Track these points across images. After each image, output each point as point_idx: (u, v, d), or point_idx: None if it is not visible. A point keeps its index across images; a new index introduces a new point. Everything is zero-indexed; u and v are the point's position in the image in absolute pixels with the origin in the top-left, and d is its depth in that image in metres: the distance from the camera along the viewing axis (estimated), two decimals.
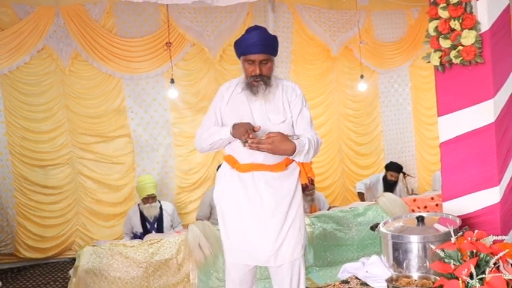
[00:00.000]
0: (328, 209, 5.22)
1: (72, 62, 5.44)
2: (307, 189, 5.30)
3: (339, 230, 4.38)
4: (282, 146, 2.30)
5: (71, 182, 5.55)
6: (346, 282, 2.25)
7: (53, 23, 5.31)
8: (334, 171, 6.36)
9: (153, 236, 4.57)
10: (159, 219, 4.99)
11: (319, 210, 5.27)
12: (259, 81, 2.50)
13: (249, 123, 2.44)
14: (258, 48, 2.46)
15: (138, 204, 5.02)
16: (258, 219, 2.53)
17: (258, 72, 2.48)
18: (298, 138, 2.40)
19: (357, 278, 2.27)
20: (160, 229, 4.97)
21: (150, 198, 4.87)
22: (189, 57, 5.74)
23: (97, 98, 5.55)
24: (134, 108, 5.68)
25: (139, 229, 4.98)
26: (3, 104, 5.36)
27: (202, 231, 4.19)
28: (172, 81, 5.32)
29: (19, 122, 5.37)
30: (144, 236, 4.75)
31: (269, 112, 2.54)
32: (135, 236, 4.93)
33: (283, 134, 2.34)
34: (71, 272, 4.15)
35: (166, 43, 5.41)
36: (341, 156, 6.44)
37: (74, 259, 4.21)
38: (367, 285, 2.16)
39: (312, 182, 5.34)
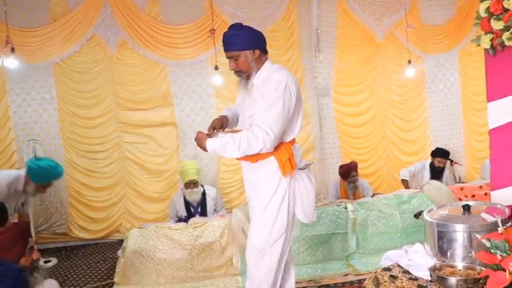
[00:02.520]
0: (372, 196, 5.17)
1: (119, 49, 5.59)
2: (349, 175, 5.27)
3: (382, 217, 4.32)
4: (200, 145, 2.58)
5: (117, 166, 5.73)
6: (388, 269, 2.23)
7: (101, 12, 5.47)
8: (379, 157, 6.27)
9: (197, 219, 4.66)
10: (202, 203, 5.08)
11: (363, 197, 5.24)
12: (238, 76, 2.68)
13: (215, 121, 2.75)
14: (224, 47, 2.64)
15: (182, 189, 5.13)
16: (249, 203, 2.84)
17: (230, 68, 2.67)
18: (223, 136, 2.54)
19: (399, 265, 2.25)
20: (203, 213, 5.06)
21: (192, 184, 4.95)
22: None
23: (143, 84, 5.67)
24: (179, 94, 5.78)
25: (183, 213, 5.08)
26: (55, 92, 5.60)
27: (246, 215, 4.22)
28: (216, 67, 5.37)
29: (70, 109, 5.60)
30: (188, 219, 4.85)
31: (250, 105, 2.68)
32: (180, 220, 5.04)
33: (202, 134, 2.60)
34: (119, 252, 4.32)
35: (210, 30, 5.46)
36: (386, 142, 6.34)
37: (122, 240, 4.37)
38: (410, 273, 2.13)
39: (355, 168, 5.31)
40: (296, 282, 3.72)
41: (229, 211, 4.91)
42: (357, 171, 5.33)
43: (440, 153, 5.65)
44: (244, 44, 2.59)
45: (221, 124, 2.75)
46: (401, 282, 2.08)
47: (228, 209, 5.31)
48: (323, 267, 4.05)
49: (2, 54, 4.68)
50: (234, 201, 5.82)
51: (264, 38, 2.71)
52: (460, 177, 6.11)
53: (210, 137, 2.59)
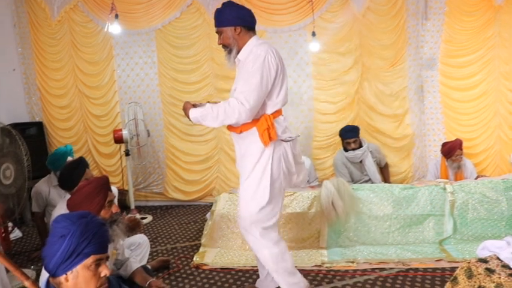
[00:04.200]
0: (476, 178, 4.76)
1: None
2: (453, 154, 4.88)
3: (485, 202, 3.93)
4: (185, 113, 2.77)
5: (212, 131, 5.80)
6: (484, 261, 2.00)
7: None
8: (488, 136, 5.70)
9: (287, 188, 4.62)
10: None
11: (466, 178, 4.84)
12: (224, 50, 2.84)
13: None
14: (214, 23, 2.82)
15: None
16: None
17: (218, 42, 2.85)
18: (204, 106, 2.72)
19: (498, 258, 2.01)
20: None
21: None
22: (333, 9, 5.49)
23: None
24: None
25: None
26: (156, 57, 5.79)
27: (337, 188, 4.10)
28: (313, 34, 5.19)
29: (170, 73, 5.76)
30: None
31: (236, 80, 2.82)
32: None
33: (188, 103, 2.80)
34: (208, 215, 4.41)
35: None
36: (497, 120, 5.74)
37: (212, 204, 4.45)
38: (510, 268, 1.89)
39: (460, 146, 4.90)
40: (383, 262, 3.64)
41: (321, 183, 4.80)
42: (461, 149, 4.92)
43: None
44: (225, 21, 2.75)
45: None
46: (499, 277, 1.85)
47: (321, 180, 5.18)
48: (413, 250, 3.81)
49: (107, 21, 4.90)
50: (328, 173, 5.66)
51: (249, 16, 2.83)
52: None
53: (195, 107, 2.76)
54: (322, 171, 5.71)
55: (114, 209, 2.71)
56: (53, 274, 1.70)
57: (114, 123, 5.96)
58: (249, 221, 2.79)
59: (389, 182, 5.16)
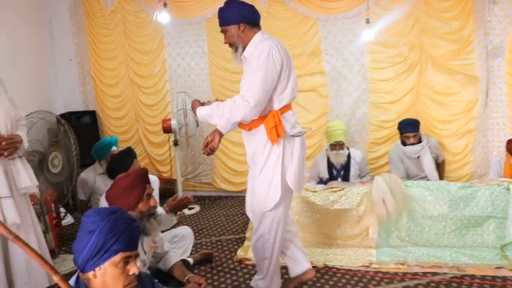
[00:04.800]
0: None
1: (270, 3, 5.45)
2: None
3: None
4: (193, 111, 2.81)
5: None
6: None
7: None
8: None
9: (336, 183, 4.45)
10: (346, 167, 4.82)
11: None
12: (231, 48, 2.83)
13: None
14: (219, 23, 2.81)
15: (326, 150, 4.91)
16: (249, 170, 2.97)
17: (224, 41, 2.84)
18: (211, 104, 2.73)
19: None
20: (346, 177, 4.82)
21: (337, 145, 4.71)
22: None
23: (292, 39, 5.47)
24: (329, 51, 5.46)
25: (325, 175, 4.90)
26: (207, 46, 5.74)
27: (389, 185, 3.88)
28: (367, 21, 4.92)
29: (220, 63, 5.69)
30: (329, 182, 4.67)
31: (243, 77, 2.73)
32: (321, 181, 4.88)
33: (196, 101, 2.83)
34: None
35: None
36: None
37: None
38: None
39: None
40: (436, 266, 3.40)
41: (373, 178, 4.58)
42: None
43: None
44: (228, 19, 2.74)
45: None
46: None
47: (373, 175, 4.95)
48: (470, 254, 3.53)
49: (156, 10, 4.88)
50: (380, 168, 5.41)
51: (252, 12, 2.78)
52: None
53: (202, 105, 2.78)
54: (376, 166, 5.46)
55: (152, 202, 2.67)
56: (82, 269, 1.67)
57: (165, 112, 5.97)
58: (263, 216, 2.83)
59: (443, 179, 4.85)
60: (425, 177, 4.67)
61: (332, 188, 4.14)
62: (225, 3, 2.78)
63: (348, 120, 5.47)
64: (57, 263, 3.75)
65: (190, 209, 5.34)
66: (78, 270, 1.70)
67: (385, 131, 5.42)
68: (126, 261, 1.67)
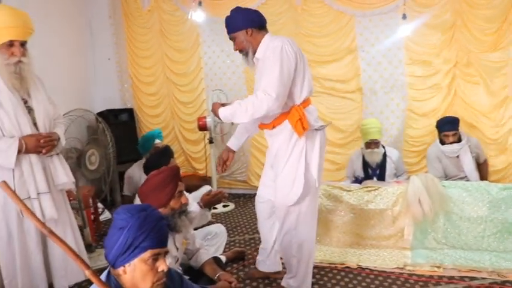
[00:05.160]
0: None
1: (305, 0, 5.39)
2: None
3: None
4: (215, 114, 2.83)
5: None
6: None
7: None
8: None
9: (371, 182, 4.37)
10: (382, 165, 4.72)
11: None
12: (242, 54, 2.91)
13: None
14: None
15: (362, 148, 4.83)
16: (272, 166, 3.02)
17: (233, 49, 2.93)
18: (232, 104, 2.75)
19: None
20: (382, 176, 4.72)
21: (372, 144, 4.62)
22: None
23: (328, 36, 5.40)
24: (366, 47, 5.36)
25: (361, 174, 4.82)
26: None
27: (425, 185, 3.78)
28: (404, 16, 4.79)
29: None
30: (365, 181, 4.59)
31: (259, 78, 2.80)
32: (356, 180, 4.81)
33: (216, 104, 2.85)
34: None
35: None
36: None
37: None
38: None
39: None
40: (474, 271, 3.30)
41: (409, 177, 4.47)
42: None
43: None
44: (236, 26, 2.82)
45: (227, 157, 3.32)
46: None
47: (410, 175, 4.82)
48: None
49: (191, 8, 4.91)
50: (417, 167, 5.26)
51: (257, 16, 2.86)
52: None
53: (223, 106, 2.80)
54: (413, 165, 5.32)
55: (184, 199, 2.69)
56: (113, 265, 1.70)
57: (200, 110, 6.02)
58: (289, 209, 2.87)
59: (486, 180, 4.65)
60: (465, 178, 4.50)
61: (367, 187, 4.08)
62: (231, 11, 2.88)
63: (385, 118, 5.36)
64: (93, 257, 3.84)
65: (224, 206, 5.37)
66: (109, 266, 1.73)
67: (423, 129, 5.27)
68: (155, 258, 1.69)
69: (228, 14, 2.90)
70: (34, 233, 2.71)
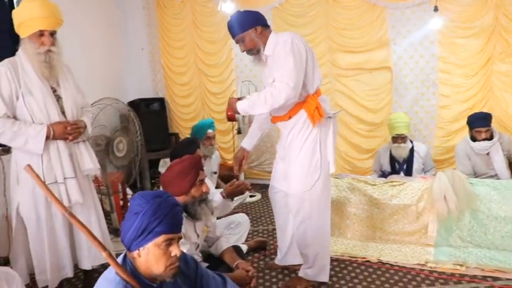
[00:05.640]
0: None
1: None
2: None
3: None
4: (232, 109, 2.89)
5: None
6: None
7: None
8: None
9: (396, 177, 4.32)
10: (409, 160, 4.67)
11: None
12: (250, 55, 2.95)
13: None
14: (231, 35, 2.93)
15: (389, 143, 4.78)
16: (283, 158, 3.10)
17: (241, 50, 2.95)
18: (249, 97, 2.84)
19: None
20: (409, 171, 4.67)
21: (399, 138, 4.58)
22: None
23: (359, 28, 5.34)
24: (397, 40, 5.28)
25: (387, 168, 4.79)
26: None
27: (451, 181, 3.72)
28: (435, 8, 4.67)
29: None
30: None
31: (270, 73, 2.89)
32: (383, 175, 4.77)
33: (233, 98, 2.94)
34: None
35: None
36: None
37: None
38: None
39: None
40: (498, 271, 3.31)
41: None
42: None
43: None
44: (244, 25, 2.85)
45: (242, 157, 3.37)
46: None
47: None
48: None
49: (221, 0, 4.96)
50: (446, 163, 5.17)
51: (261, 15, 2.93)
52: None
53: (239, 100, 2.88)
54: (442, 161, 5.23)
55: (205, 188, 2.73)
56: (128, 248, 1.76)
57: None
58: (303, 196, 2.93)
59: None
60: (495, 176, 4.38)
61: (392, 182, 4.05)
62: (233, 15, 2.92)
63: (414, 113, 5.28)
64: (120, 241, 3.96)
65: (251, 196, 5.42)
66: (126, 249, 1.79)
67: (454, 124, 5.16)
68: (168, 243, 1.73)
69: (245, 9, 2.99)
70: (61, 216, 2.81)
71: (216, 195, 3.34)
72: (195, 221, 2.76)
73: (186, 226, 2.67)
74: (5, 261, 3.55)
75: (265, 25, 2.91)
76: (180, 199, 2.60)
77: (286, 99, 2.72)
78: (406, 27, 5.21)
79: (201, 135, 4.84)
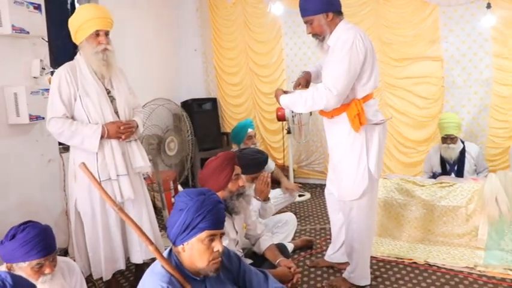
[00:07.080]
0: None
1: None
2: None
3: None
4: (277, 99, 2.91)
5: None
6: None
7: None
8: None
9: (445, 178, 4.27)
10: (460, 161, 4.60)
11: None
12: (315, 38, 2.84)
13: (301, 79, 3.13)
14: (301, 13, 2.80)
15: (440, 143, 4.73)
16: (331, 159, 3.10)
17: (307, 32, 2.83)
18: (294, 93, 2.84)
19: None
20: (460, 172, 4.60)
21: (448, 139, 4.52)
22: None
23: (410, 27, 5.27)
24: (449, 38, 5.18)
25: (438, 169, 4.74)
26: None
27: (504, 183, 3.66)
28: (488, 5, 4.55)
29: None
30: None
31: (326, 65, 2.81)
32: (433, 176, 4.72)
33: (279, 90, 2.95)
34: None
35: None
36: None
37: None
38: None
39: None
40: None
41: None
42: None
43: None
44: (316, 8, 2.71)
45: (306, 81, 3.09)
46: None
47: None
48: None
49: (271, 1, 5.05)
50: (501, 165, 5.02)
51: (336, 0, 2.78)
52: None
53: (285, 93, 2.88)
54: (496, 162, 5.08)
55: (241, 182, 2.78)
56: (173, 243, 1.87)
57: None
58: (350, 206, 2.95)
59: None
60: None
61: (441, 183, 4.02)
62: None
63: (466, 112, 5.17)
64: None
65: (300, 195, 5.49)
66: (171, 244, 1.91)
67: (507, 124, 5.00)
68: (211, 239, 1.82)
69: None
70: (114, 212, 2.98)
71: (254, 201, 3.43)
72: (233, 216, 2.83)
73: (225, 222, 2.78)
74: (65, 252, 3.83)
75: (338, 11, 2.76)
76: (218, 195, 2.71)
77: (326, 106, 2.71)
78: (460, 25, 5.09)
79: (242, 136, 4.95)
